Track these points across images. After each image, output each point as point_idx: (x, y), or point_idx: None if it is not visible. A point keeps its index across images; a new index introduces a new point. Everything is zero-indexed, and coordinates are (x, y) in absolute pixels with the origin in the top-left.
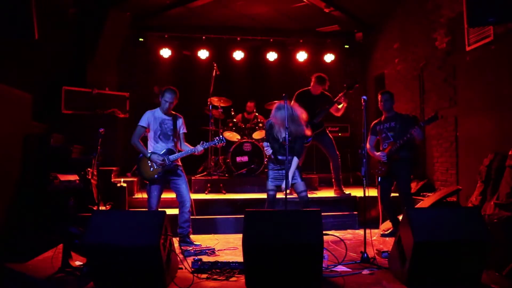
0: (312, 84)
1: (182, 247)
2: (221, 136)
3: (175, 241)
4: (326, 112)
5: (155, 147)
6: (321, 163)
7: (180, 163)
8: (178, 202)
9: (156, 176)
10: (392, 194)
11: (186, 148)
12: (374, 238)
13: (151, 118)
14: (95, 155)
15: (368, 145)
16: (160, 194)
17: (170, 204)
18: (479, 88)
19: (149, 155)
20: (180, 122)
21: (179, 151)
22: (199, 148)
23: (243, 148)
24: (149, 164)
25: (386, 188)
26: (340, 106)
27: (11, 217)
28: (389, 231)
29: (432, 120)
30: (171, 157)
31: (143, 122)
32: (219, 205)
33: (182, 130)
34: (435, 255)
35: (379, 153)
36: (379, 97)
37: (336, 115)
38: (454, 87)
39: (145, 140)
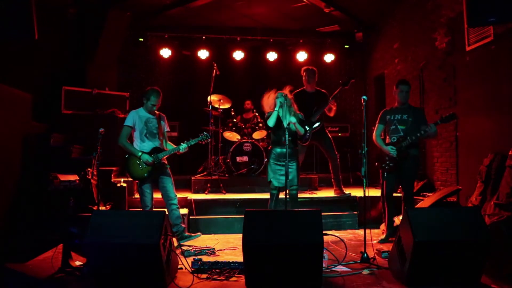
0: (304, 79)
1: (181, 245)
2: (205, 133)
3: (175, 241)
4: (323, 110)
5: (142, 146)
6: (321, 163)
7: (166, 162)
8: (165, 202)
9: (146, 175)
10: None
11: (170, 147)
12: (375, 241)
13: (136, 118)
14: (95, 155)
15: (374, 134)
16: (152, 191)
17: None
18: (479, 88)
19: (139, 154)
20: (164, 121)
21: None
22: (183, 145)
23: (243, 148)
24: (138, 163)
25: (392, 184)
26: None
27: (11, 217)
28: (384, 236)
29: (449, 119)
30: (160, 155)
31: (129, 122)
32: (219, 205)
33: (166, 128)
34: (435, 255)
35: (387, 147)
36: (398, 87)
37: (329, 115)
38: (454, 87)
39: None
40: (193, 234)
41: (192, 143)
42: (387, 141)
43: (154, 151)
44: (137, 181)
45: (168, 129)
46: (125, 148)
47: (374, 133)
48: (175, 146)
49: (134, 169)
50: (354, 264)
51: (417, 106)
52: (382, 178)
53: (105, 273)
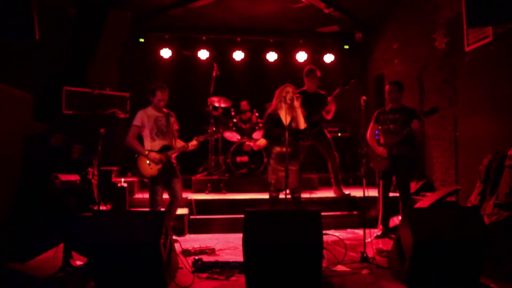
0: (306, 79)
1: (183, 248)
2: (214, 128)
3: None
4: (322, 110)
5: (153, 145)
6: (321, 163)
7: (176, 162)
8: (170, 199)
9: (156, 173)
10: (391, 194)
11: (179, 145)
12: (368, 240)
13: (145, 117)
14: (96, 155)
15: (369, 133)
16: (163, 191)
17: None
18: (479, 89)
19: (146, 153)
20: (173, 119)
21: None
22: (193, 142)
23: (243, 148)
24: (148, 162)
25: (388, 183)
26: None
27: (12, 216)
28: (380, 232)
29: (431, 113)
30: (169, 153)
31: (137, 121)
32: (219, 205)
33: (175, 127)
34: (434, 254)
35: (381, 148)
36: (387, 87)
37: (327, 118)
38: (454, 87)
39: (139, 139)
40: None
41: (202, 139)
42: (381, 141)
43: (164, 150)
44: (148, 180)
45: (178, 127)
46: (132, 148)
47: (368, 132)
48: (184, 144)
49: (144, 168)
50: (354, 263)
51: (411, 107)
52: (378, 178)
53: (105, 273)
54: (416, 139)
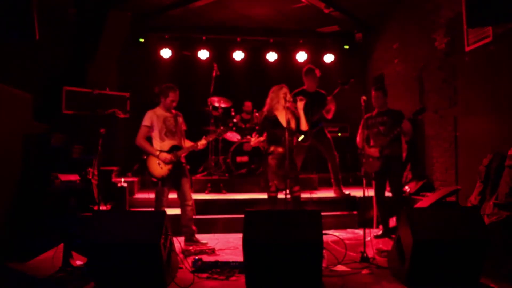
0: (305, 79)
1: (183, 248)
2: (222, 127)
3: (176, 240)
4: (321, 110)
5: (162, 145)
6: (321, 163)
7: (185, 161)
8: (180, 201)
9: (167, 174)
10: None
11: (188, 144)
12: (368, 239)
13: (154, 117)
14: (96, 155)
15: (358, 139)
16: (169, 192)
17: (170, 204)
18: (479, 89)
19: (157, 153)
20: (181, 119)
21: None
22: (202, 141)
23: (243, 148)
24: (158, 163)
25: (381, 184)
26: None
27: (12, 216)
28: (380, 232)
29: (420, 113)
30: (179, 152)
31: (147, 122)
32: (219, 205)
33: (183, 127)
34: (434, 254)
35: (372, 149)
36: (373, 93)
37: (327, 117)
38: (454, 87)
39: (148, 140)
40: (200, 241)
41: (211, 138)
42: (371, 144)
43: (173, 149)
44: (155, 180)
45: (185, 128)
46: (142, 148)
47: (358, 137)
48: (193, 143)
49: (155, 168)
50: (354, 263)
51: (396, 109)
52: (372, 179)
53: (105, 273)
54: (405, 139)
